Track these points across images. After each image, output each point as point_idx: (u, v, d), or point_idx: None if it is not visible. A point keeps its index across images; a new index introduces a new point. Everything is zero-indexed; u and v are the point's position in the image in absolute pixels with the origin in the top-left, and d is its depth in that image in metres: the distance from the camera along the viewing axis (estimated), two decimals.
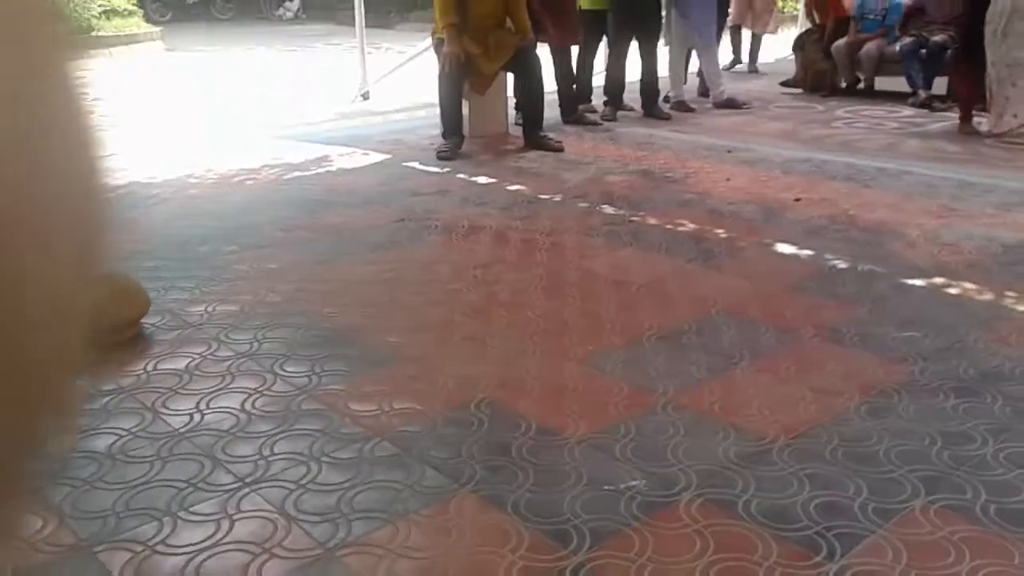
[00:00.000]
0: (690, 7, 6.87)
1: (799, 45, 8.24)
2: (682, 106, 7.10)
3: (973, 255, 3.54)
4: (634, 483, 1.98)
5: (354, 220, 4.16)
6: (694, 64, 7.56)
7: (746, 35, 9.25)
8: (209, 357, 2.66)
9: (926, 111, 6.84)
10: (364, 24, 7.98)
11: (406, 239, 3.91)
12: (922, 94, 7.04)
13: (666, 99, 7.17)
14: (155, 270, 3.38)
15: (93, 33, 11.74)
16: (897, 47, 7.27)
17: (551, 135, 5.84)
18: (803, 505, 1.89)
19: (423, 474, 2.04)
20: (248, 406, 2.37)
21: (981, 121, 5.92)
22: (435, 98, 5.69)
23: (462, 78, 5.56)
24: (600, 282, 3.35)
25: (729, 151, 5.59)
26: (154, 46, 12.74)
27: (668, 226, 4.04)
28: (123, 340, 2.74)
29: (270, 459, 2.11)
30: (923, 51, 7.09)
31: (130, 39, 12.30)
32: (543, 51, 6.27)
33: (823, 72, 7.87)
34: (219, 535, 1.83)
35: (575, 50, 6.65)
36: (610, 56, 6.81)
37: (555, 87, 6.53)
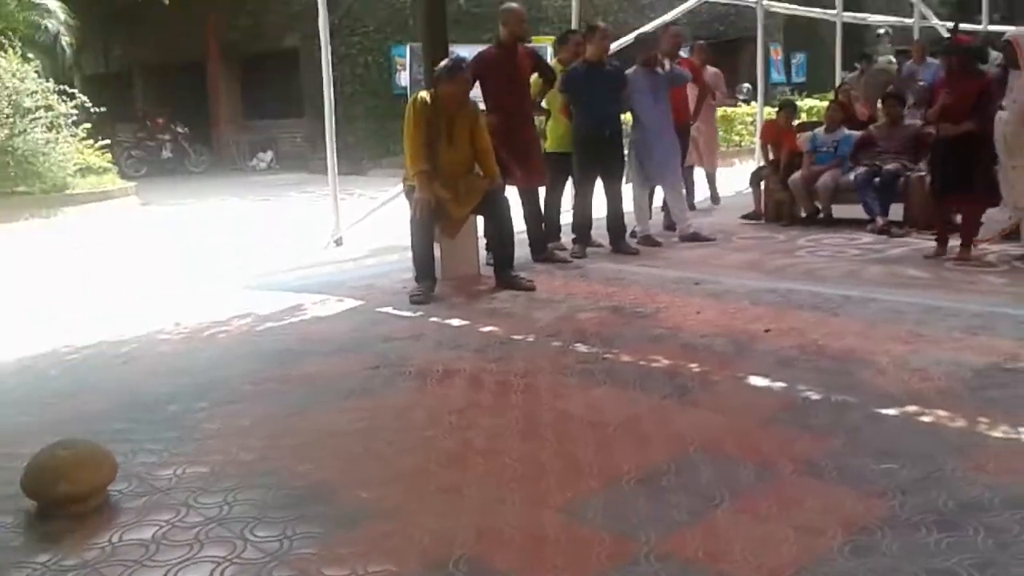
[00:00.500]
0: (652, 149, 7.14)
1: (755, 180, 8.57)
2: (649, 240, 7.26)
3: (943, 381, 3.57)
4: None
5: (327, 369, 4.14)
6: (659, 199, 7.80)
7: (699, 173, 9.48)
8: (177, 524, 2.58)
9: (885, 237, 7.05)
10: (336, 171, 8.20)
11: (380, 386, 3.89)
12: (880, 220, 7.27)
13: (633, 234, 7.34)
14: (123, 432, 3.32)
15: (68, 191, 11.96)
16: (852, 176, 7.57)
17: (522, 274, 5.93)
18: None
19: None
20: None
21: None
22: (407, 242, 5.80)
23: (433, 223, 5.68)
24: (576, 423, 3.33)
25: (697, 283, 5.69)
26: (129, 201, 12.95)
27: (642, 362, 4.06)
28: (88, 509, 2.66)
29: None
30: (877, 179, 7.38)
31: (105, 195, 12.51)
32: (511, 193, 6.46)
33: (782, 203, 8.15)
34: None
35: (542, 191, 6.86)
36: (576, 195, 7.01)
37: (524, 227, 6.68)
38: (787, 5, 15.15)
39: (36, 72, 12.26)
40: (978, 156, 5.88)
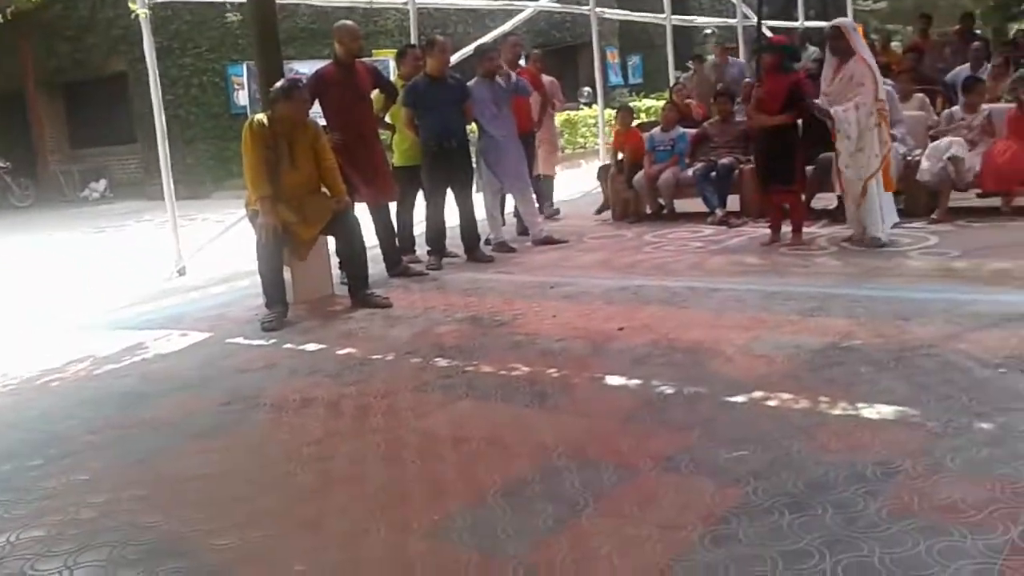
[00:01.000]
0: (500, 155, 7.19)
1: (602, 176, 8.83)
2: (503, 247, 7.31)
3: (785, 364, 3.75)
4: None
5: (174, 409, 3.93)
6: (511, 205, 7.87)
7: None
8: None
9: (724, 227, 7.37)
10: (174, 197, 7.83)
11: (232, 423, 3.72)
12: (719, 212, 7.60)
13: (487, 242, 7.38)
14: None
15: None
16: (690, 172, 7.88)
17: (378, 292, 5.84)
18: None
19: None
20: None
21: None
22: (256, 267, 5.59)
23: (281, 246, 5.51)
24: (439, 441, 3.29)
25: (552, 287, 5.76)
26: None
27: (502, 372, 4.06)
28: None
29: None
30: (713, 173, 7.71)
31: None
32: (361, 210, 6.35)
33: (628, 201, 8.40)
34: None
35: (393, 206, 6.78)
36: (427, 207, 6.97)
37: (377, 243, 6.59)
38: (619, 12, 15.67)
39: None
40: (792, 148, 6.28)
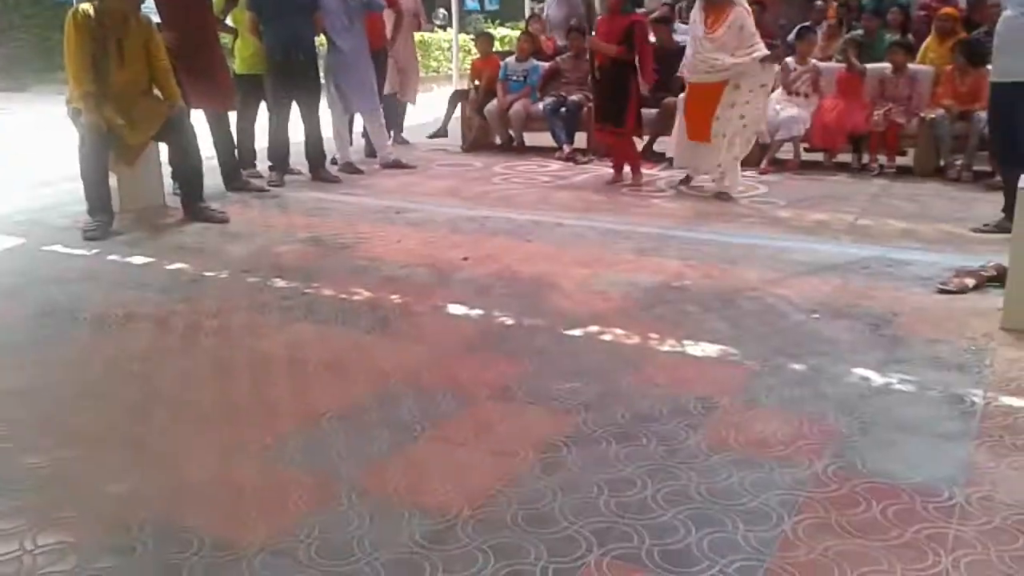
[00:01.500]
0: (349, 72, 6.95)
1: (453, 101, 8.71)
2: (350, 168, 7.13)
3: (620, 301, 3.88)
4: None
5: None
6: (360, 125, 7.65)
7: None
8: None
9: (571, 164, 7.48)
10: None
11: (49, 337, 3.48)
12: (566, 148, 7.70)
13: (333, 161, 7.17)
14: None
15: None
16: (540, 106, 7.91)
17: (214, 205, 5.57)
18: None
19: None
20: None
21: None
22: (79, 169, 5.17)
23: (106, 150, 5.12)
24: (275, 363, 3.21)
25: (398, 212, 5.68)
26: None
27: (343, 296, 3.99)
28: None
29: None
30: (563, 109, 7.77)
31: None
32: (198, 117, 6.00)
33: (480, 131, 8.36)
34: None
35: (233, 115, 6.44)
36: (271, 120, 6.67)
37: (214, 154, 6.26)
38: None
39: None
40: (627, 91, 6.35)
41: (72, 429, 2.67)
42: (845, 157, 7.12)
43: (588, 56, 6.86)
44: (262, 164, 6.84)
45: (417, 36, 9.71)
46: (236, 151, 6.49)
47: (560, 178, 6.94)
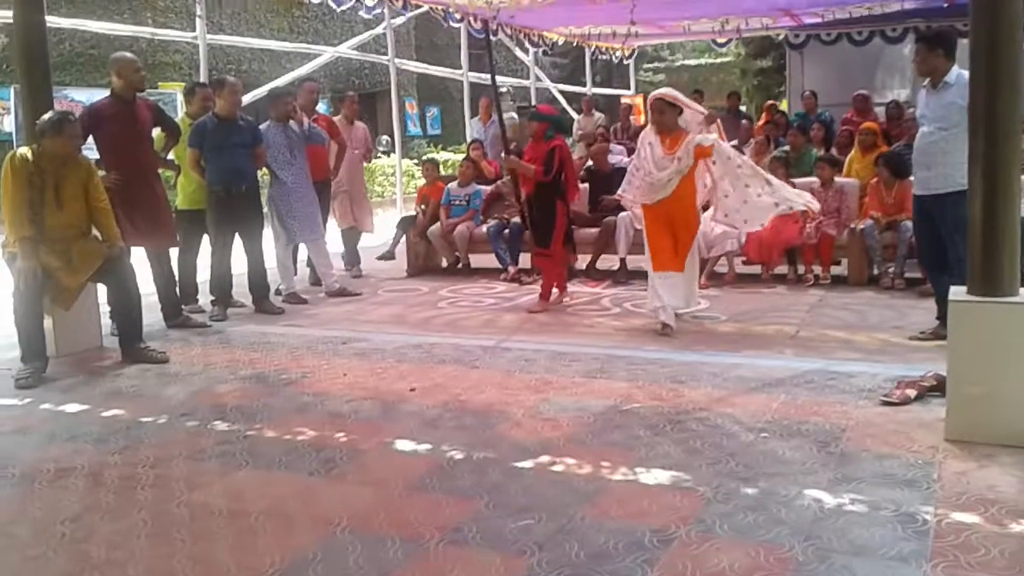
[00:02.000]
0: (292, 203, 7.00)
1: (402, 227, 8.75)
2: (294, 298, 7.09)
3: (570, 427, 3.84)
4: None
5: None
6: (304, 254, 7.65)
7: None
8: None
9: (517, 284, 7.54)
10: None
11: None
12: (511, 270, 7.78)
13: (277, 292, 7.13)
14: None
15: None
16: (484, 229, 8.03)
17: (153, 345, 5.46)
18: None
19: None
20: None
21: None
22: (12, 315, 5.05)
23: (41, 294, 5.02)
24: (214, 516, 3.08)
25: (344, 343, 5.63)
26: None
27: (287, 436, 3.89)
28: None
29: None
30: (506, 231, 7.90)
31: None
32: (139, 254, 5.95)
33: (423, 254, 8.42)
34: None
35: (174, 252, 6.41)
36: (213, 254, 6.64)
37: (155, 291, 6.18)
38: (417, 63, 15.89)
39: None
40: (552, 213, 6.39)
41: None
42: (781, 269, 7.30)
43: (512, 181, 6.99)
44: (204, 298, 6.76)
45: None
46: (177, 287, 6.42)
47: (506, 299, 6.98)
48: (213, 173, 6.44)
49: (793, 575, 2.47)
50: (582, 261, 7.89)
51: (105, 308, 5.71)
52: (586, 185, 7.96)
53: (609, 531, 2.80)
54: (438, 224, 8.25)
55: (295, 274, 7.42)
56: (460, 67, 13.77)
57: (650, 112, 5.81)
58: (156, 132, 6.30)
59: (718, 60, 27.82)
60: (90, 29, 10.51)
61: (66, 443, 3.89)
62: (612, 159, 8.59)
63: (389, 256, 8.77)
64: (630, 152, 9.72)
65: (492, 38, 9.48)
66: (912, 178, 5.42)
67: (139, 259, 5.87)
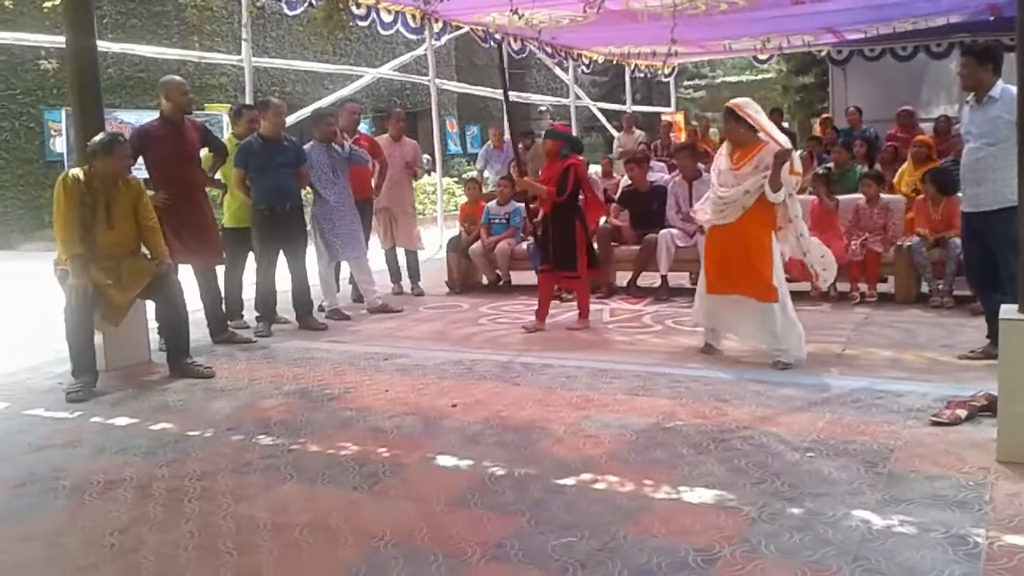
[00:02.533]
0: (335, 221, 7.10)
1: (451, 247, 8.73)
2: (337, 314, 7.17)
3: (612, 445, 3.82)
4: None
5: None
6: (347, 271, 7.73)
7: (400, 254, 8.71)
8: None
9: (557, 302, 7.52)
10: None
11: (26, 509, 3.39)
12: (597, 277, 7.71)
13: (321, 308, 7.21)
14: None
15: None
16: (524, 246, 8.04)
17: (200, 360, 5.55)
18: None
19: None
20: None
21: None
22: (64, 330, 5.17)
23: (91, 310, 5.14)
24: (259, 529, 3.11)
25: (386, 359, 5.67)
26: None
27: (330, 451, 3.92)
28: None
29: None
30: None
31: None
32: (187, 271, 6.07)
33: (466, 272, 8.46)
34: None
35: (220, 269, 6.52)
36: (258, 271, 6.74)
37: (202, 307, 6.29)
38: (457, 84, 16.03)
39: None
40: (573, 235, 6.32)
41: None
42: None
43: (526, 204, 7.00)
44: (249, 315, 6.86)
45: None
46: (223, 304, 6.53)
47: (548, 316, 6.96)
48: (258, 192, 6.55)
49: None
50: (622, 279, 7.88)
51: (153, 324, 5.82)
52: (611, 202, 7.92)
53: (652, 549, 2.78)
54: (479, 242, 8.30)
55: (338, 291, 7.50)
56: (500, 86, 13.85)
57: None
58: (204, 152, 6.44)
59: (759, 77, 27.64)
60: (139, 53, 10.79)
61: (115, 455, 3.96)
62: (652, 176, 8.57)
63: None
64: (671, 169, 9.75)
65: (515, 55, 9.47)
66: (960, 195, 5.33)
67: (186, 276, 5.98)
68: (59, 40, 6.31)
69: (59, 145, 15.03)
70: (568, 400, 4.56)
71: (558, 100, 17.46)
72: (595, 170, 12.04)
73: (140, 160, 5.99)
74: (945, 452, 3.54)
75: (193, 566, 2.84)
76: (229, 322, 6.55)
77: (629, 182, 8.41)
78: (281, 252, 6.73)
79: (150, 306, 5.68)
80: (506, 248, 8.13)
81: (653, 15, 10.43)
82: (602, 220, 7.57)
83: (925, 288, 6.81)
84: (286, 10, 9.09)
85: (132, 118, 12.24)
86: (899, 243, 6.85)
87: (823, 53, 14.72)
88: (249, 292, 6.89)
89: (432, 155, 12.70)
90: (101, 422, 4.52)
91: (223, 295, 6.55)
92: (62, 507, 3.41)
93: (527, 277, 8.19)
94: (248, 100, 8.73)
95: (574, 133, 15.38)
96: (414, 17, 10.43)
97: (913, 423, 3.93)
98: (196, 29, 14.79)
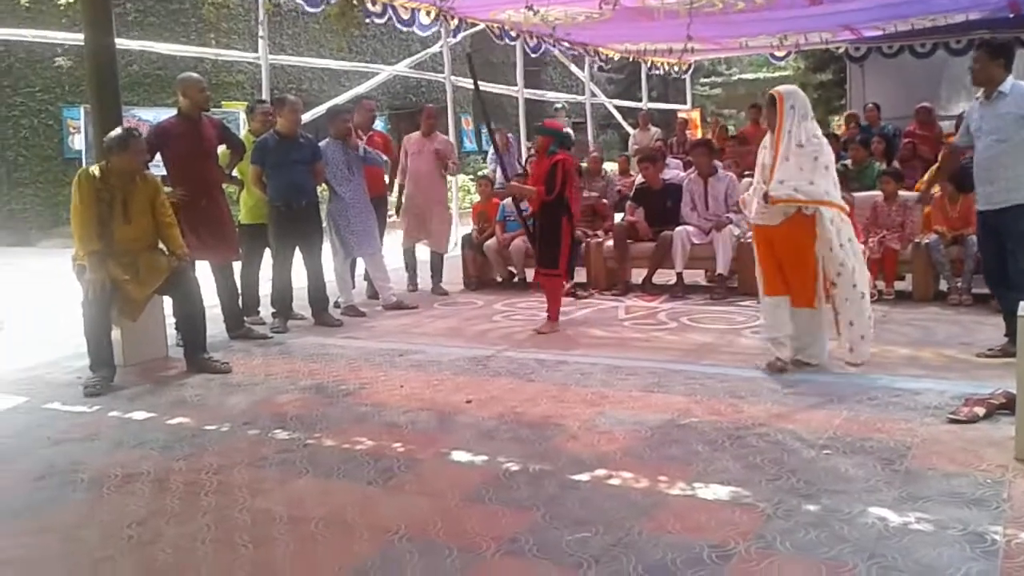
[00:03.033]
0: (350, 218, 7.12)
1: (466, 244, 8.75)
2: (352, 311, 7.18)
3: (627, 441, 3.82)
4: None
5: None
6: (363, 267, 7.75)
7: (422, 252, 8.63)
8: None
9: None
10: None
11: (45, 501, 3.42)
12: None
13: (336, 305, 7.23)
14: None
15: None
16: None
17: (216, 356, 5.58)
18: None
19: None
20: None
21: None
22: (82, 325, 5.21)
23: (109, 305, 5.18)
24: (275, 523, 3.13)
25: (401, 355, 5.68)
26: None
27: (345, 446, 3.94)
28: None
29: None
30: None
31: None
32: (204, 266, 6.10)
33: (480, 268, 8.46)
34: None
35: (237, 265, 6.55)
36: (274, 267, 6.77)
37: (218, 302, 6.33)
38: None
39: None
40: (557, 233, 6.23)
41: None
42: None
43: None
44: (265, 311, 6.89)
45: None
46: (240, 299, 6.56)
47: (562, 314, 6.95)
48: (274, 189, 6.58)
49: None
50: (637, 276, 7.86)
51: (170, 319, 5.86)
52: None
53: (667, 545, 2.78)
54: (494, 239, 8.30)
55: (353, 287, 7.52)
56: (515, 84, 13.85)
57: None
58: (221, 149, 6.47)
59: (776, 74, 27.47)
60: (157, 51, 10.86)
61: (133, 449, 3.99)
62: (667, 174, 8.55)
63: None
64: (687, 166, 9.72)
65: (531, 52, 9.39)
66: (975, 192, 5.29)
67: (203, 272, 6.01)
68: (77, 37, 6.36)
69: (77, 142, 15.14)
70: (583, 396, 4.56)
71: (574, 97, 17.43)
72: (611, 168, 12.03)
73: (158, 157, 6.04)
74: (962, 450, 3.52)
75: (210, 559, 2.86)
76: (245, 318, 6.59)
77: (643, 180, 8.40)
78: (297, 248, 6.75)
79: (167, 301, 5.72)
80: (521, 245, 8.11)
81: (669, 12, 10.39)
82: (618, 217, 7.54)
83: (943, 286, 6.75)
84: (307, 7, 9.08)
85: (150, 115, 12.28)
86: (917, 240, 6.80)
87: (841, 50, 14.63)
88: (265, 288, 6.92)
89: None
90: (119, 416, 4.55)
91: (239, 291, 6.58)
92: (80, 500, 3.44)
93: None
94: (265, 97, 8.75)
95: (589, 130, 15.42)
96: (428, 13, 10.42)
97: (931, 420, 3.90)
98: (213, 27, 14.83)
